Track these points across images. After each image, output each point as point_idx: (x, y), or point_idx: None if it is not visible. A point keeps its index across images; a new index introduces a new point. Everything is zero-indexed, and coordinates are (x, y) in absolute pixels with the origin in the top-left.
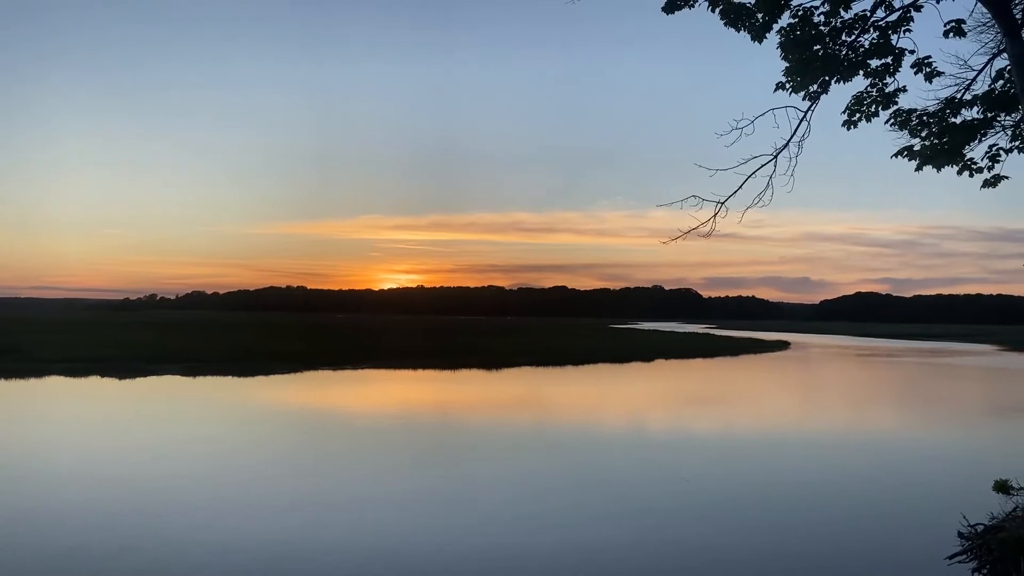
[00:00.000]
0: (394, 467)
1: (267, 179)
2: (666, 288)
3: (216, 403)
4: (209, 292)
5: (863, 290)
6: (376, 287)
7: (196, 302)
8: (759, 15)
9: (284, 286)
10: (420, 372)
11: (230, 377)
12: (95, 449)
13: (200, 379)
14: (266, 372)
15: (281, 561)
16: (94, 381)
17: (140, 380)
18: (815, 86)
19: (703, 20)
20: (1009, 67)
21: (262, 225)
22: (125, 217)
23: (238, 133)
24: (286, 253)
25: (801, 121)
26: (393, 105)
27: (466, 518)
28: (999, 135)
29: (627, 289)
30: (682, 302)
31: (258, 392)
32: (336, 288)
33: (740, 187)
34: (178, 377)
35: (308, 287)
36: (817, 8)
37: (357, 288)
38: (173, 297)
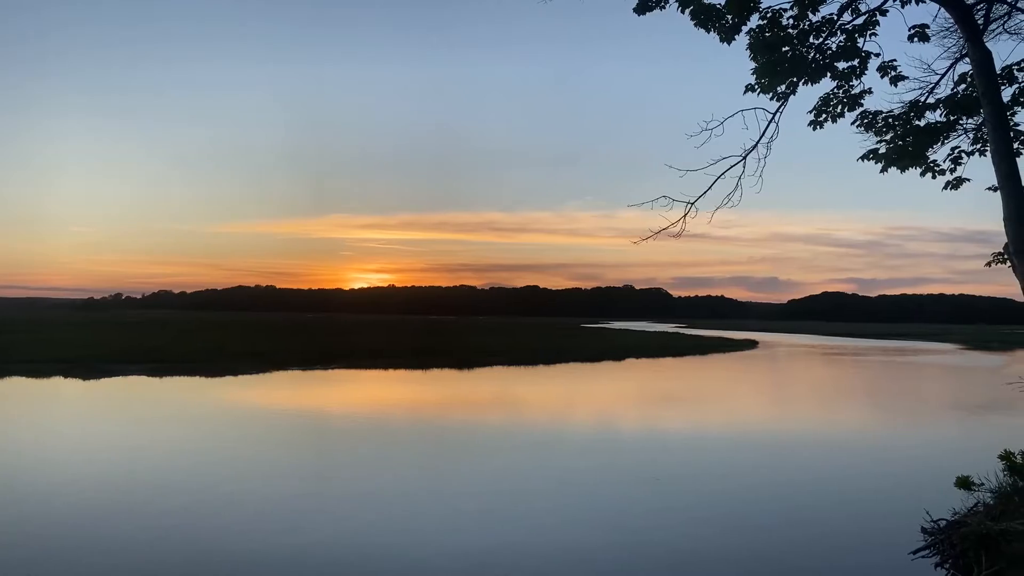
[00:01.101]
0: (363, 468)
1: (235, 178)
2: (637, 288)
3: (181, 404)
4: (176, 291)
5: (830, 290)
6: (347, 286)
7: (163, 301)
8: (728, 16)
9: (253, 285)
10: (392, 372)
11: (197, 377)
12: (54, 453)
13: (166, 379)
14: (234, 372)
15: (241, 565)
16: (57, 382)
17: (105, 381)
18: (783, 87)
19: (674, 21)
20: (971, 71)
21: (230, 224)
22: (90, 216)
23: (205, 131)
24: (255, 252)
25: (770, 123)
26: (363, 104)
27: (435, 518)
28: (961, 138)
29: (598, 288)
30: (653, 301)
31: (225, 393)
32: (306, 287)
33: (710, 188)
34: (144, 378)
35: (277, 286)
36: (786, 11)
37: (327, 287)
38: (139, 296)
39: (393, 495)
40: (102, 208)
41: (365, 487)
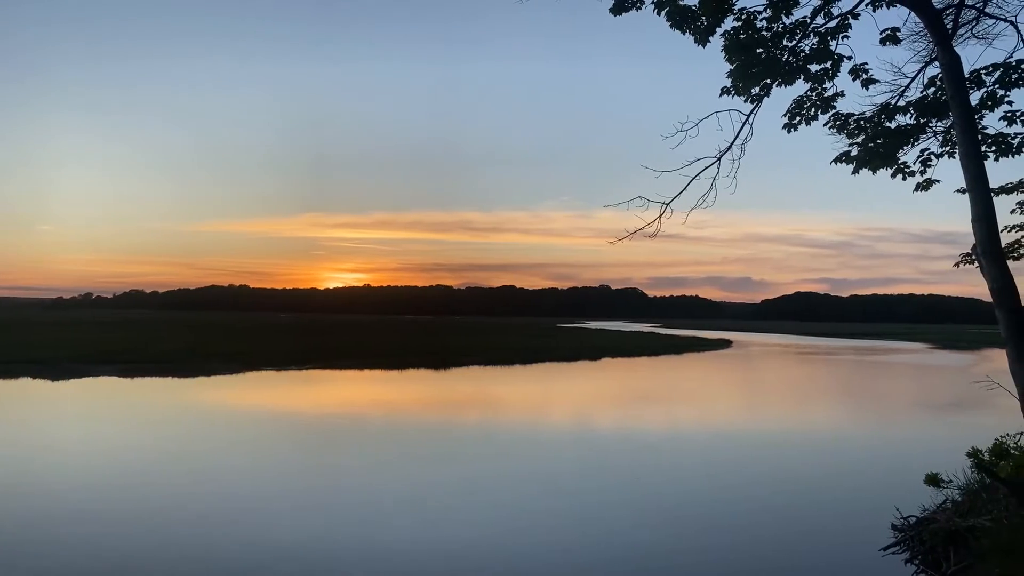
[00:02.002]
0: (337, 469)
1: (209, 177)
2: (613, 288)
3: (151, 406)
4: (148, 291)
5: (802, 290)
6: (321, 286)
7: (134, 301)
8: (703, 18)
9: (226, 285)
10: (367, 372)
11: (169, 378)
12: (23, 455)
13: (138, 380)
14: (207, 373)
15: (210, 564)
16: (25, 383)
17: (75, 381)
18: (757, 89)
19: (651, 21)
20: (940, 75)
21: (203, 223)
22: (59, 214)
23: (177, 129)
24: (228, 251)
25: (744, 124)
26: (338, 103)
27: (405, 518)
28: (931, 140)
29: (575, 288)
30: (628, 301)
31: (198, 394)
32: (280, 287)
33: (684, 188)
34: (115, 378)
35: (251, 286)
36: (760, 13)
37: (302, 287)
38: (110, 296)
39: (362, 495)
40: (71, 206)
41: (334, 487)
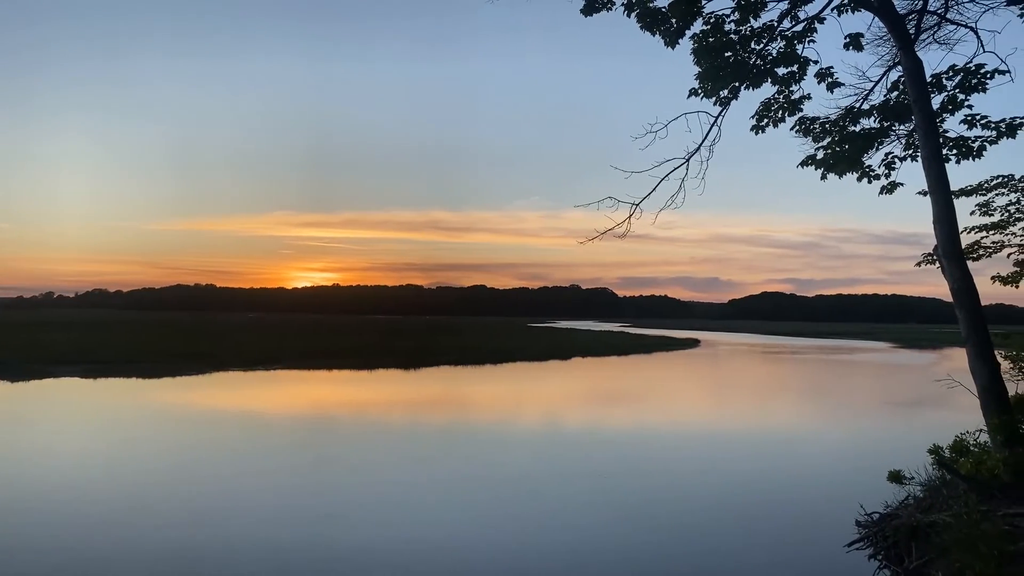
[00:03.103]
0: (302, 471)
1: (173, 174)
2: (583, 287)
3: (117, 407)
4: (111, 290)
5: (769, 290)
6: (289, 285)
7: (97, 300)
8: (673, 20)
9: (192, 284)
10: (336, 373)
11: (134, 379)
12: None
13: (101, 381)
14: (172, 374)
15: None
16: None
17: (36, 383)
18: (726, 91)
19: (622, 22)
20: (903, 79)
21: (168, 221)
22: (19, 212)
23: (140, 127)
24: (193, 250)
25: (712, 126)
26: (306, 101)
27: (374, 518)
28: (894, 144)
29: (545, 288)
30: (598, 301)
31: (163, 395)
32: (247, 287)
33: (654, 189)
34: (78, 379)
35: (217, 285)
36: (728, 16)
37: (269, 287)
38: (72, 295)
39: (327, 496)
40: (31, 203)
41: (299, 489)
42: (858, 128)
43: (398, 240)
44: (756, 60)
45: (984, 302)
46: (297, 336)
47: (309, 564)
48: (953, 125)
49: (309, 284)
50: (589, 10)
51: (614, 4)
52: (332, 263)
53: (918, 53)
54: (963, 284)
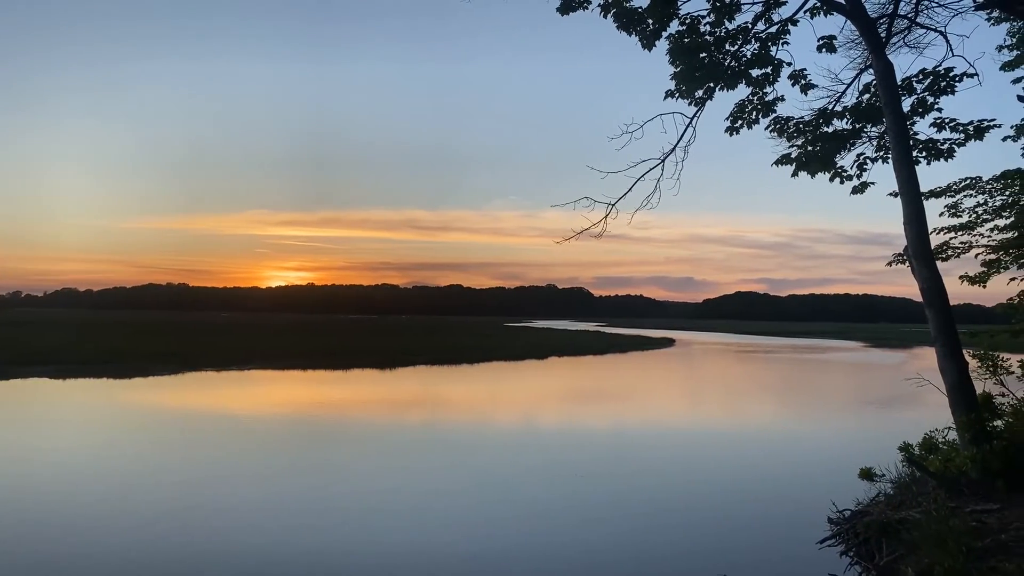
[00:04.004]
0: (278, 473)
1: (146, 172)
2: (559, 287)
3: (87, 408)
4: (82, 289)
5: (743, 289)
6: (263, 285)
7: (67, 300)
8: (650, 21)
9: (164, 283)
10: (311, 373)
11: (105, 379)
12: None
13: (71, 382)
14: (144, 374)
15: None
16: None
17: (3, 383)
18: (701, 92)
19: (600, 22)
20: (874, 82)
21: (140, 219)
22: None
23: (117, 125)
24: (166, 249)
25: (687, 127)
26: (280, 99)
27: (347, 521)
28: (865, 145)
29: (522, 288)
30: (574, 300)
31: (134, 396)
32: (220, 286)
33: (630, 190)
34: (46, 380)
35: (190, 284)
36: (704, 18)
37: (243, 286)
38: (40, 294)
39: (305, 496)
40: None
41: (274, 489)
42: (831, 129)
43: (375, 239)
44: (731, 61)
45: (953, 302)
46: (272, 336)
47: (278, 568)
48: (923, 127)
49: (284, 283)
50: (565, 9)
51: (590, 3)
52: (308, 262)
53: (889, 56)
54: (932, 284)
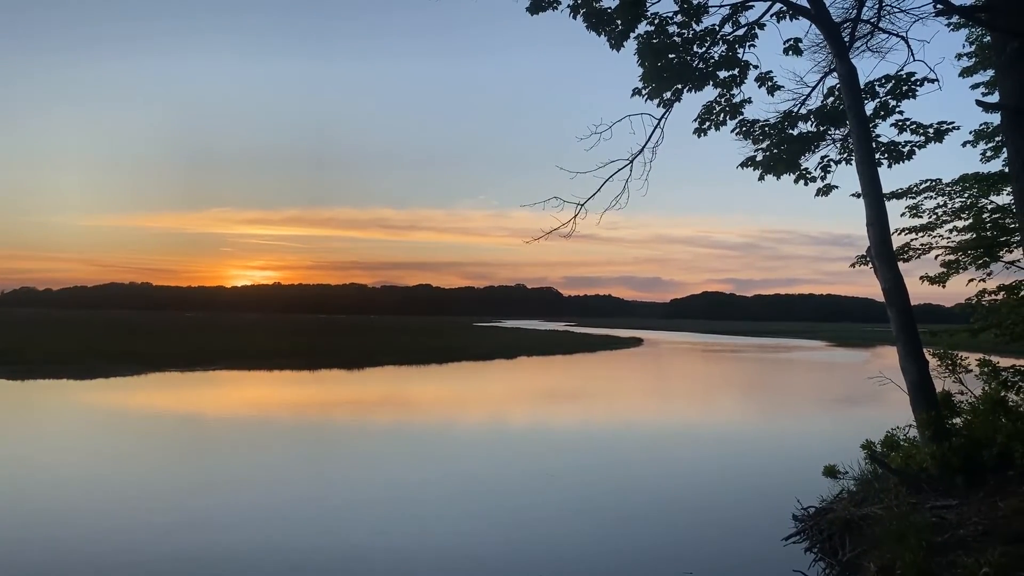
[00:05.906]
0: (250, 473)
1: (108, 169)
2: (528, 287)
3: (44, 410)
4: (41, 288)
5: (709, 290)
6: (228, 284)
7: (25, 299)
8: (619, 22)
9: (127, 282)
10: (278, 373)
11: (64, 380)
12: None
13: (29, 383)
14: (106, 375)
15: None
16: None
17: None
18: (669, 93)
19: (568, 21)
20: (838, 85)
21: (101, 217)
22: None
23: (77, 118)
24: (128, 247)
25: (655, 128)
26: (247, 96)
27: (317, 521)
28: (830, 147)
29: (491, 287)
30: (543, 300)
31: (94, 397)
32: (184, 285)
33: (598, 190)
34: (2, 381)
35: (153, 283)
36: (672, 19)
37: (208, 285)
38: None
39: (271, 499)
40: None
41: (244, 493)
42: (796, 132)
43: (342, 238)
44: (699, 63)
45: (913, 301)
46: (237, 336)
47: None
48: (885, 130)
49: (250, 283)
50: (535, 9)
51: (560, 3)
52: (274, 261)
53: (852, 60)
54: (894, 284)
